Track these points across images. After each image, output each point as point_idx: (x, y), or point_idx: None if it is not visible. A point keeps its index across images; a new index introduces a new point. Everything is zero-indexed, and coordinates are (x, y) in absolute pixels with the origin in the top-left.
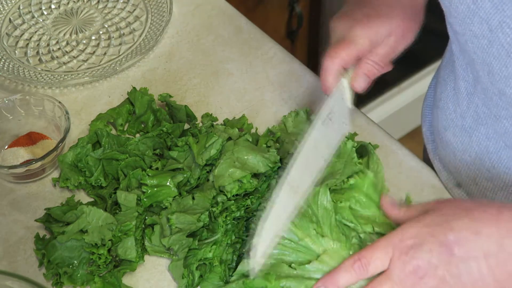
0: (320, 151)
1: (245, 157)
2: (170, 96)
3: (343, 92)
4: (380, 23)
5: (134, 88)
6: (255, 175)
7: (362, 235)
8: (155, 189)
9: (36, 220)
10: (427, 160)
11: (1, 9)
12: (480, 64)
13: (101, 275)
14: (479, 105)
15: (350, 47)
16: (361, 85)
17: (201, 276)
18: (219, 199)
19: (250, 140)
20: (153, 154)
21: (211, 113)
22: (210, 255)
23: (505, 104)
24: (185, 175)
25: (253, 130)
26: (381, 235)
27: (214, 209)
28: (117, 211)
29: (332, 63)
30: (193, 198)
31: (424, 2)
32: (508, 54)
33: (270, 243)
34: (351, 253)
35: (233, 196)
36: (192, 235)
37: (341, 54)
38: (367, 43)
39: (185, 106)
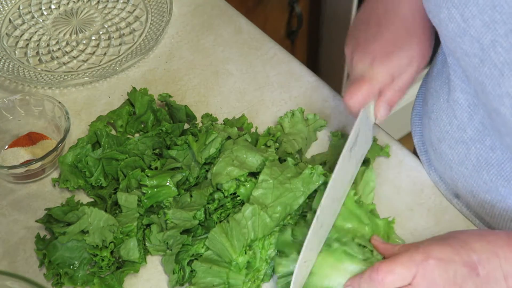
0: (345, 179)
1: (244, 156)
2: (170, 96)
3: (368, 114)
4: (399, 57)
5: (134, 88)
6: (253, 174)
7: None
8: (155, 189)
9: (36, 221)
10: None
11: (1, 9)
12: (473, 81)
13: (102, 276)
14: (484, 116)
15: (372, 85)
16: (383, 113)
17: (191, 271)
18: (215, 196)
19: (250, 140)
20: (152, 153)
21: (211, 113)
22: (203, 250)
23: (502, 122)
24: (183, 174)
25: (252, 130)
26: (362, 245)
27: (210, 205)
28: (117, 211)
29: (354, 101)
30: (191, 196)
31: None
32: (501, 73)
33: (302, 275)
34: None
35: (230, 194)
36: (187, 231)
37: (363, 93)
38: (389, 78)
39: (185, 106)
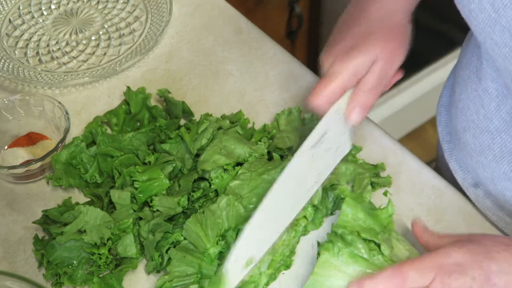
0: (307, 179)
1: (232, 147)
2: (169, 92)
3: (340, 111)
4: (358, 53)
5: (128, 87)
6: (240, 165)
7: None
8: (147, 183)
9: (33, 222)
10: (441, 158)
11: (1, 10)
12: (503, 71)
13: (101, 275)
14: None
15: (331, 84)
16: (356, 118)
17: (169, 259)
18: (202, 185)
19: (241, 132)
20: (147, 149)
21: (211, 114)
22: (182, 238)
23: None
24: (173, 165)
25: (249, 125)
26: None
27: (194, 194)
28: (114, 210)
29: (317, 101)
30: (179, 185)
31: (409, 17)
32: None
33: (243, 265)
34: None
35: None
36: (172, 220)
37: (324, 93)
38: (347, 76)
39: (183, 102)
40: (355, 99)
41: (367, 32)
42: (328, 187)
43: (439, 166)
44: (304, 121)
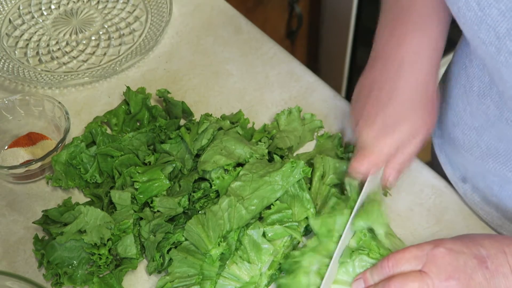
0: (346, 238)
1: (233, 147)
2: (168, 92)
3: (377, 175)
4: (404, 129)
5: (128, 87)
6: (240, 166)
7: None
8: (147, 183)
9: (34, 222)
10: (433, 154)
11: (1, 10)
12: (490, 70)
13: (101, 275)
14: (490, 107)
15: (377, 157)
16: (393, 182)
17: (170, 259)
18: (202, 185)
19: (241, 133)
20: (147, 149)
21: (211, 114)
22: (183, 239)
23: None
24: (173, 165)
25: (249, 125)
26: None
27: (194, 194)
28: (114, 210)
29: (360, 171)
30: (180, 186)
31: (436, 87)
32: None
33: None
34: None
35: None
36: (172, 220)
37: (368, 164)
38: (394, 150)
39: (182, 102)
40: (394, 166)
41: (407, 109)
42: (331, 187)
43: (431, 161)
44: (304, 121)
